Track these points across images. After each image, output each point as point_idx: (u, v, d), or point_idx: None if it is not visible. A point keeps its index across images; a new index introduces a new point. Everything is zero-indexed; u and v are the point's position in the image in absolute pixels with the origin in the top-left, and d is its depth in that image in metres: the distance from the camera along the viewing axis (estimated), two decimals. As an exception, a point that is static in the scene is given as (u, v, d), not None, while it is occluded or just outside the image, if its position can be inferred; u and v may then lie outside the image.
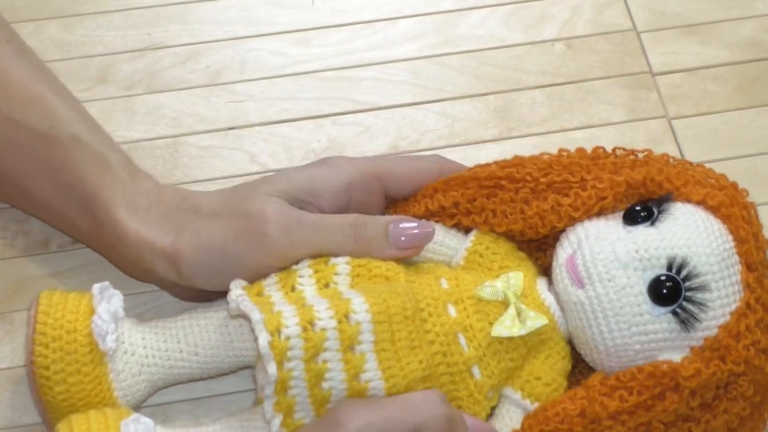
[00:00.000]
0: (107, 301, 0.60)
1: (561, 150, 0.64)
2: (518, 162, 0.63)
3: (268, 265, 0.60)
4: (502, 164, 0.63)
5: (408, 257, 0.61)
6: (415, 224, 0.61)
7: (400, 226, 0.60)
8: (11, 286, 0.67)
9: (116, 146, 0.66)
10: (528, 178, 0.62)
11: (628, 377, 0.58)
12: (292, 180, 0.62)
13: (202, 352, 0.61)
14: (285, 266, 0.61)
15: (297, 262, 0.60)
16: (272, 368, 0.56)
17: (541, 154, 0.64)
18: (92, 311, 0.59)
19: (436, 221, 0.63)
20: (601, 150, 0.64)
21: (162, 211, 0.62)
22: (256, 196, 0.61)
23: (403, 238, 0.60)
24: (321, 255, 0.60)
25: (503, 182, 0.62)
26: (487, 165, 0.63)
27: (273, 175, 0.64)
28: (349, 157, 0.64)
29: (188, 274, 0.61)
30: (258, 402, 0.60)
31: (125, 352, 0.60)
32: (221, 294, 0.61)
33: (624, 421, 0.58)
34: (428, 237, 0.61)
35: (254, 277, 0.61)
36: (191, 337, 0.61)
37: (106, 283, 0.61)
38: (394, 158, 0.66)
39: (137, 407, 0.61)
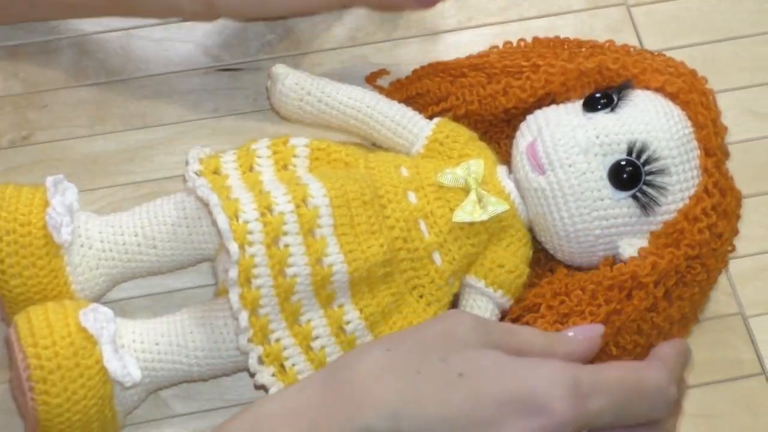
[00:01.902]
0: (61, 194, 0.59)
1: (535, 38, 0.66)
2: (485, 53, 0.66)
3: None
4: (470, 56, 0.66)
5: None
6: None
7: None
8: (-38, 184, 0.66)
9: None
10: (487, 65, 0.64)
11: (589, 296, 0.58)
12: None
13: (161, 245, 0.60)
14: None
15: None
16: (233, 246, 0.55)
17: (511, 45, 0.66)
18: (46, 204, 0.59)
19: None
20: (565, 39, 0.65)
21: None
22: None
23: None
24: None
25: (465, 70, 0.64)
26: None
27: None
28: None
29: (221, 7, 0.64)
30: (219, 293, 0.60)
31: (82, 246, 0.59)
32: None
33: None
34: None
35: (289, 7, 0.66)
36: (149, 229, 0.60)
37: (60, 176, 0.60)
38: None
39: (95, 302, 0.60)
